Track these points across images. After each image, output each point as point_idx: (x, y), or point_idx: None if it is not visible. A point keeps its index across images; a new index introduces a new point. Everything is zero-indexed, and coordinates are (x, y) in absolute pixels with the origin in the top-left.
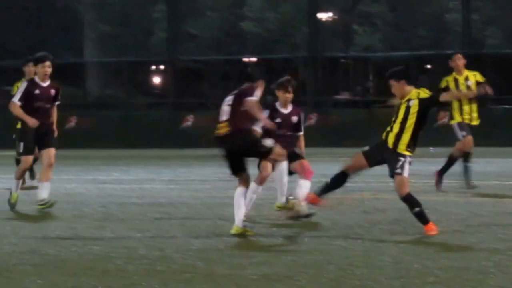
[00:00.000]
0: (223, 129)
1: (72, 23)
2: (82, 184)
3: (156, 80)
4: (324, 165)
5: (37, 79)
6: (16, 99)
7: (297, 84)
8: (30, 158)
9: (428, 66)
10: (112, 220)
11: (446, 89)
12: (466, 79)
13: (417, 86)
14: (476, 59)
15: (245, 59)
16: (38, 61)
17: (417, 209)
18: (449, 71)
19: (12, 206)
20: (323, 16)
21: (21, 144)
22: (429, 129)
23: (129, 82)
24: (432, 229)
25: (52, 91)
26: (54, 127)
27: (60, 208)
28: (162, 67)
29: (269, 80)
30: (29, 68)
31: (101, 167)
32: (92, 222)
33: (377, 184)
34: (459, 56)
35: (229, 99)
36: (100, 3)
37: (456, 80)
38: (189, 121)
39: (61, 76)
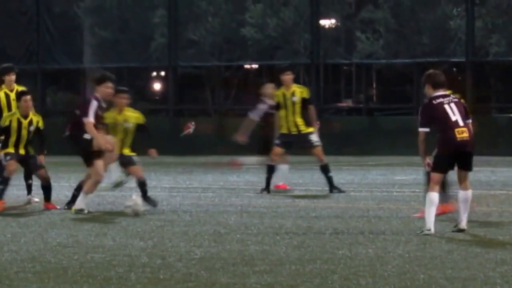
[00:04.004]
0: (464, 134)
1: (71, 29)
2: None
3: (156, 86)
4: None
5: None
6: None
7: None
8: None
9: None
10: (113, 227)
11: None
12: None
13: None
14: (480, 67)
15: (246, 66)
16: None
17: None
18: (453, 78)
19: (80, 211)
20: (325, 22)
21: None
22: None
23: (129, 88)
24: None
25: None
26: None
27: (61, 216)
28: (162, 73)
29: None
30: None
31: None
32: (93, 229)
33: (381, 193)
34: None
35: (452, 105)
36: (99, 8)
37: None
38: (190, 128)
39: (60, 82)
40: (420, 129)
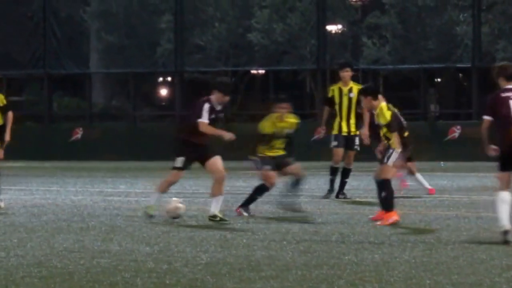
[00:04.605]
0: None
1: (77, 34)
2: (89, 196)
3: (163, 91)
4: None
5: None
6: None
7: (305, 96)
8: (182, 173)
9: (438, 79)
10: (119, 233)
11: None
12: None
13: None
14: (486, 72)
15: (253, 71)
16: None
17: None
18: (459, 84)
19: (150, 216)
20: (332, 28)
21: (180, 159)
22: (440, 144)
23: (135, 93)
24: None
25: None
26: None
27: (67, 221)
28: (168, 78)
29: (276, 92)
30: None
31: (108, 179)
32: (99, 234)
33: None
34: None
35: None
36: (105, 13)
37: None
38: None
39: (66, 87)
40: (484, 117)
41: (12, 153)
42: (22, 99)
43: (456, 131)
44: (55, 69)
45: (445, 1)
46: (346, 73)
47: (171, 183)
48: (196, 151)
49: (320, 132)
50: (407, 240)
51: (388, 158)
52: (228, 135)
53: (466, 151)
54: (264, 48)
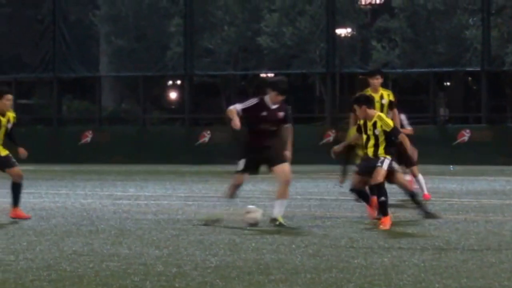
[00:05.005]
0: None
1: (87, 37)
2: (98, 200)
3: (172, 95)
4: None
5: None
6: (237, 106)
7: (315, 100)
8: (245, 176)
9: (448, 83)
10: (128, 236)
11: None
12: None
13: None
14: (495, 76)
15: (262, 75)
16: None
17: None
18: (469, 87)
19: (280, 225)
20: (341, 31)
21: (241, 161)
22: (449, 147)
23: (144, 97)
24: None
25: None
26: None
27: (76, 224)
28: (178, 82)
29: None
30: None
31: (117, 182)
32: (108, 238)
33: (396, 202)
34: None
35: None
36: (115, 17)
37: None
38: (206, 137)
39: (76, 90)
40: None
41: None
42: (32, 102)
43: (465, 135)
44: (65, 72)
45: (455, 5)
46: (377, 80)
47: (237, 187)
48: (259, 152)
49: (330, 136)
50: (416, 243)
51: (382, 163)
52: (235, 124)
53: (475, 155)
54: (273, 51)
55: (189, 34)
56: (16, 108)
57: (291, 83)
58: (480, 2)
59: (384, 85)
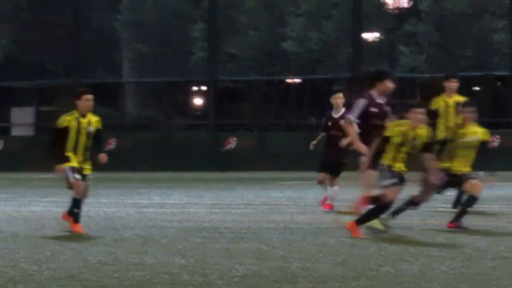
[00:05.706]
0: None
1: (109, 43)
2: (123, 208)
3: (196, 100)
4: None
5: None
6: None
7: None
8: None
9: (476, 88)
10: (153, 245)
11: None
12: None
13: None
14: None
15: (288, 80)
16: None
17: None
18: (497, 92)
19: (381, 231)
20: (368, 36)
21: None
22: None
23: (168, 102)
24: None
25: None
26: None
27: (100, 232)
28: (202, 87)
29: (311, 101)
30: None
31: (142, 190)
32: (133, 247)
33: (426, 209)
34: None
35: None
36: (137, 22)
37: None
38: (232, 143)
39: (98, 96)
40: None
41: (44, 165)
42: (54, 109)
43: (494, 140)
44: (87, 78)
45: (482, 9)
46: (454, 84)
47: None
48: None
49: None
50: (445, 251)
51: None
52: (361, 150)
53: (505, 161)
54: (298, 56)
55: (213, 39)
56: (40, 114)
57: (318, 88)
58: (508, 5)
59: (411, 90)
